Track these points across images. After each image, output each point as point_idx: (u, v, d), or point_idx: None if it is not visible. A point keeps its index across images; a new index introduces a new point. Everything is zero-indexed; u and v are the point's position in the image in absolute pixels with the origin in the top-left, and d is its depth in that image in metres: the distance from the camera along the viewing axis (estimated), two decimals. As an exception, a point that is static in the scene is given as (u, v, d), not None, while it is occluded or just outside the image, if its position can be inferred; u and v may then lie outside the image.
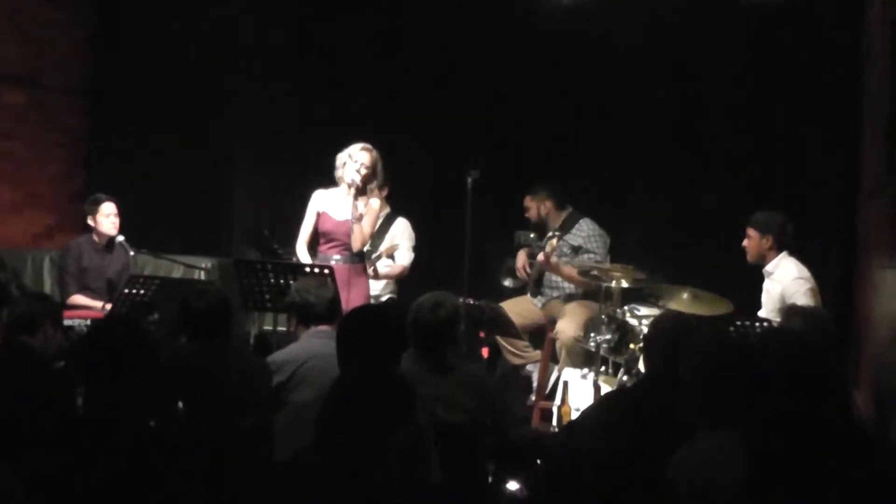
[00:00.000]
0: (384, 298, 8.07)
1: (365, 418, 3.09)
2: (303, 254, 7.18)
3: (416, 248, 8.28)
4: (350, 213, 6.97)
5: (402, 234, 8.23)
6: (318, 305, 5.56)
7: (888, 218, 6.12)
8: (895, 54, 6.08)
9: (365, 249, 7.56)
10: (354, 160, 7.04)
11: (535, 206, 8.15)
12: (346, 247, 7.03)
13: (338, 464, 3.07)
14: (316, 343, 5.40)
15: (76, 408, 4.37)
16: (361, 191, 7.09)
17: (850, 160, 8.09)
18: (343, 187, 7.01)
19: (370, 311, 5.23)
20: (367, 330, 4.46)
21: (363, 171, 7.02)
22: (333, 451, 3.10)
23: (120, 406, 3.61)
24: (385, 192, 8.23)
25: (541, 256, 7.81)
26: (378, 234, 8.15)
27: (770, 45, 8.64)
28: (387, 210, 8.31)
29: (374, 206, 7.14)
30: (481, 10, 9.26)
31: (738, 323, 6.38)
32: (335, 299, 5.71)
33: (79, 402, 4.47)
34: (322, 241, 7.14)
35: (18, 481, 3.29)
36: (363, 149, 7.07)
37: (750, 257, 7.02)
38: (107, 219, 8.09)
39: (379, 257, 7.75)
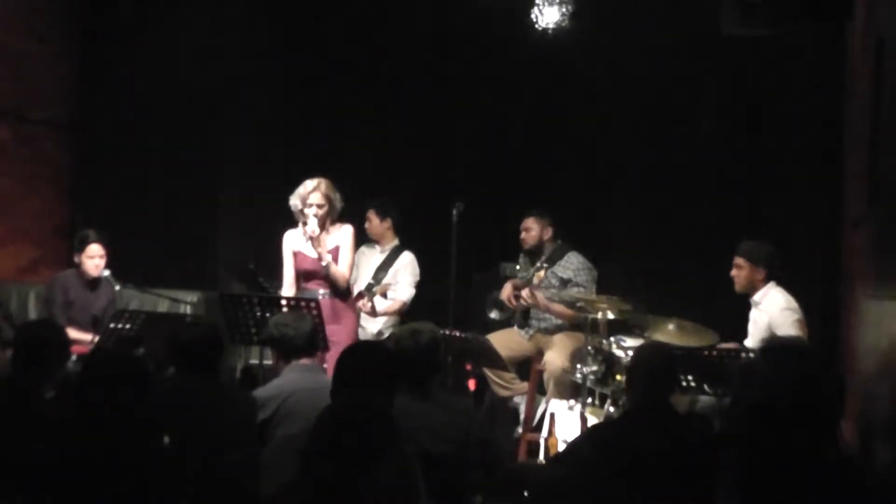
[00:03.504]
0: (387, 334, 8.04)
1: (350, 453, 3.08)
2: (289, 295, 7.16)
3: (418, 284, 8.27)
4: (321, 258, 6.97)
5: (405, 269, 8.24)
6: (297, 338, 5.54)
7: (871, 248, 6.14)
8: (876, 85, 6.11)
9: (370, 281, 7.57)
10: (309, 204, 7.01)
11: (539, 229, 8.13)
12: (327, 282, 7.04)
13: (323, 498, 3.06)
14: (297, 377, 5.39)
15: (69, 441, 4.35)
16: (325, 225, 7.09)
17: (834, 190, 8.11)
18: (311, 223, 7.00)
19: (369, 348, 5.22)
20: (364, 366, 4.45)
21: (320, 214, 7.00)
22: (319, 485, 3.09)
23: (113, 438, 3.61)
24: (388, 223, 8.25)
25: (526, 292, 7.82)
26: (382, 267, 8.18)
27: (753, 76, 8.69)
28: (395, 242, 8.35)
29: (346, 235, 7.12)
30: (466, 43, 9.31)
31: (724, 353, 6.39)
32: (314, 332, 5.69)
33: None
34: (303, 279, 7.14)
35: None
36: (314, 190, 7.02)
37: (740, 287, 7.01)
38: (91, 260, 8.04)
39: (374, 294, 7.75)
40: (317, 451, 3.14)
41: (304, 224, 7.03)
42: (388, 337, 5.18)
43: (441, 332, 5.47)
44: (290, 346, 5.54)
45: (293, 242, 7.15)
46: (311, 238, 6.95)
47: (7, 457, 4.09)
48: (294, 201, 7.07)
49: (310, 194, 7.01)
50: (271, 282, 7.95)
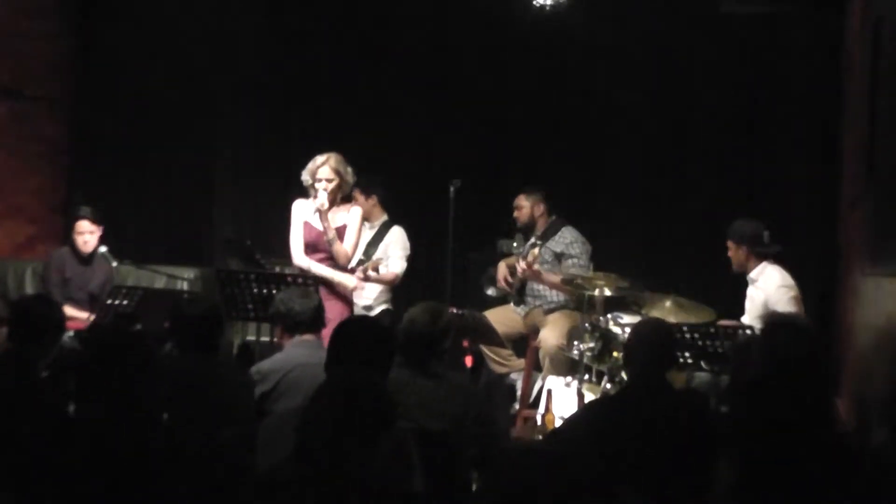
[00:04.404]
0: (378, 310, 8.03)
1: (343, 429, 3.08)
2: (304, 264, 7.12)
3: (409, 258, 8.25)
4: (326, 232, 6.96)
5: (395, 243, 8.20)
6: (303, 314, 5.55)
7: (868, 226, 6.15)
8: (874, 64, 6.12)
9: (361, 257, 7.55)
10: (318, 178, 6.99)
11: (530, 206, 8.12)
12: (329, 256, 7.02)
13: (318, 474, 3.06)
14: (300, 352, 5.40)
15: (68, 418, 4.36)
16: (344, 199, 7.07)
17: (832, 169, 8.12)
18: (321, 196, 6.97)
19: (364, 323, 5.23)
20: (359, 341, 4.46)
21: (330, 188, 6.97)
22: (314, 462, 3.09)
23: (115, 415, 3.61)
24: (373, 200, 8.21)
25: (522, 264, 7.82)
26: (373, 242, 8.14)
27: (751, 56, 8.69)
28: (384, 217, 8.30)
29: (354, 216, 7.10)
30: (462, 20, 9.28)
31: (721, 330, 6.40)
32: (320, 308, 5.70)
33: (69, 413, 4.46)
34: (305, 250, 7.12)
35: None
36: (324, 164, 6.98)
37: (735, 267, 7.05)
38: (80, 237, 8.03)
39: (366, 269, 7.73)
40: (311, 427, 3.14)
41: (315, 198, 7.01)
42: (405, 314, 5.15)
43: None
44: (295, 321, 5.56)
45: (303, 212, 7.10)
46: (319, 211, 6.93)
47: (2, 433, 4.09)
48: (304, 176, 7.04)
49: (318, 169, 6.98)
50: (268, 258, 7.94)
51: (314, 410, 3.18)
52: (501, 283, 8.23)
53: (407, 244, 8.22)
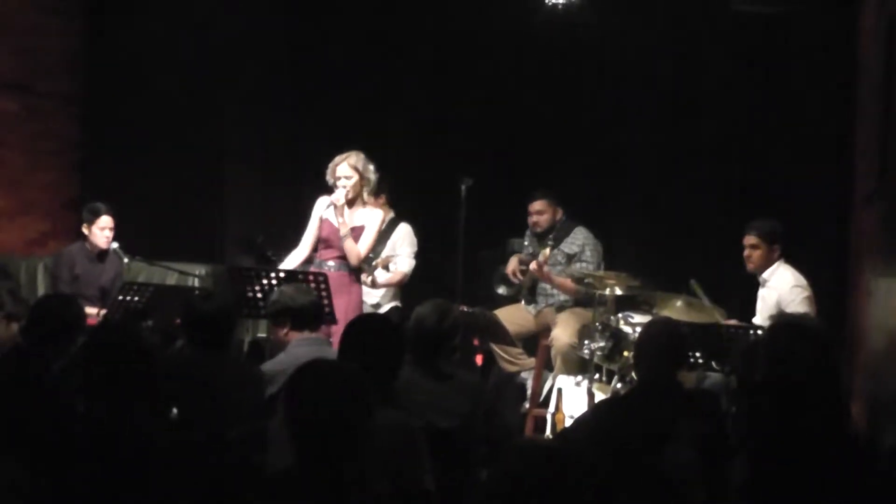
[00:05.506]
0: (386, 307, 8.02)
1: (322, 426, 3.05)
2: (289, 260, 7.15)
3: (417, 255, 8.24)
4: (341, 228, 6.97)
5: (403, 241, 8.18)
6: (300, 312, 5.54)
7: (881, 226, 6.13)
8: (887, 63, 6.09)
9: (369, 255, 7.57)
10: (338, 176, 7.01)
11: (552, 211, 8.10)
12: (342, 254, 7.02)
13: (315, 472, 3.04)
14: (304, 350, 5.37)
15: (77, 415, 4.36)
16: (357, 200, 7.08)
17: (844, 168, 8.09)
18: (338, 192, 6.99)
19: (374, 320, 5.22)
20: (368, 338, 4.46)
21: (348, 185, 6.98)
22: (308, 460, 3.07)
23: (120, 412, 3.62)
24: (382, 199, 8.20)
25: (533, 265, 7.81)
26: (380, 240, 8.12)
27: (763, 54, 8.66)
28: (390, 215, 8.29)
29: (374, 218, 7.11)
30: (476, 18, 9.27)
31: (732, 330, 6.39)
32: (317, 304, 5.69)
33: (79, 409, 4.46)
34: (321, 246, 7.13)
35: (26, 474, 3.30)
36: (343, 161, 7.01)
37: (755, 267, 6.96)
38: (101, 231, 8.06)
39: (375, 267, 7.72)
40: (294, 428, 3.11)
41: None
42: (413, 312, 5.15)
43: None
44: (295, 317, 5.55)
45: (323, 208, 7.13)
46: (334, 206, 6.95)
47: (12, 428, 4.10)
48: (327, 175, 7.08)
49: (337, 167, 7.01)
50: (279, 255, 7.94)
51: (289, 414, 3.14)
52: (513, 277, 8.21)
53: (414, 241, 8.22)
